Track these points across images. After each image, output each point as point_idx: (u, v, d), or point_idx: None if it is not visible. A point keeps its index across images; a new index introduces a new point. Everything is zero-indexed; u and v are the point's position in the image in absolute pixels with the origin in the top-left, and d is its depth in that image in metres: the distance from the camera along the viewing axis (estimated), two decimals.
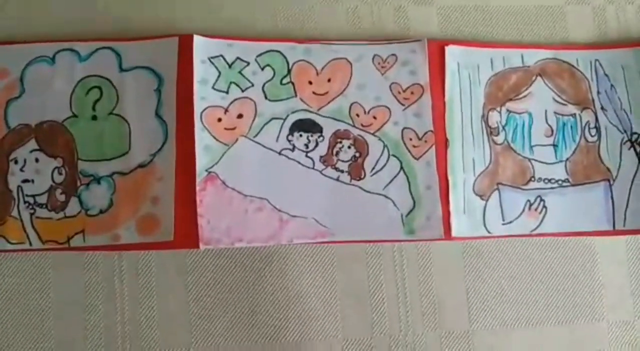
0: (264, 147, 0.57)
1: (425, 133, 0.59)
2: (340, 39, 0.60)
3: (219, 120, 0.57)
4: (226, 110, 0.57)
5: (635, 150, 0.61)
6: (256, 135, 0.57)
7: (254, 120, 0.58)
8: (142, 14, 0.59)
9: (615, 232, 0.60)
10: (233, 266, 0.57)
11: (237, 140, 0.57)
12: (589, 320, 0.60)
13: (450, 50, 0.61)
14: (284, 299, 0.57)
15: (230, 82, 0.58)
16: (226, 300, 0.56)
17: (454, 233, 0.58)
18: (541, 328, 0.59)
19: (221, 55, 0.58)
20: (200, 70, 0.57)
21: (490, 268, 0.60)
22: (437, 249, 0.59)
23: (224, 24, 0.59)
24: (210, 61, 0.57)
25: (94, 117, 0.56)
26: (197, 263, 0.56)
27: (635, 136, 0.62)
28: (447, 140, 0.59)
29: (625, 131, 0.62)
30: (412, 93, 0.60)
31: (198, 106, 0.56)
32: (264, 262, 0.57)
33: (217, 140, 0.56)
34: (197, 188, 0.55)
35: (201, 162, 0.55)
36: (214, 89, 0.57)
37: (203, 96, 0.56)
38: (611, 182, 0.61)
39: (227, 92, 0.57)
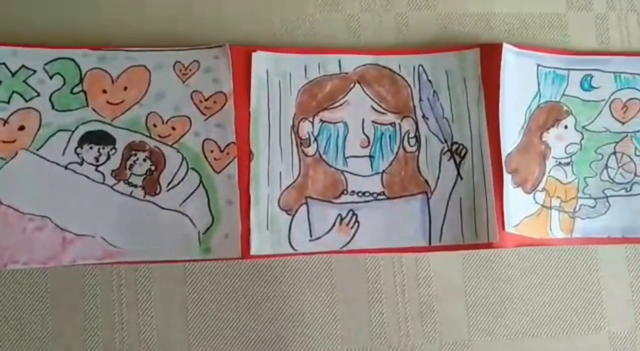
0: (48, 160, 0.54)
1: (228, 145, 0.56)
2: (141, 45, 0.57)
3: None
4: (5, 122, 0.54)
5: (454, 160, 0.58)
6: (39, 148, 0.54)
7: (37, 132, 0.54)
8: None
9: (430, 248, 0.57)
10: (232, 277, 0.55)
11: (16, 153, 0.53)
12: (589, 331, 0.59)
13: (258, 57, 0.57)
14: (283, 310, 0.55)
15: (13, 92, 0.54)
16: (225, 312, 0.55)
17: (253, 251, 0.54)
18: (541, 339, 0.58)
19: (3, 63, 0.54)
20: None
21: (490, 278, 0.58)
22: (436, 258, 0.57)
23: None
24: None
25: None
26: (195, 276, 0.55)
27: (455, 146, 0.58)
28: (251, 152, 0.56)
29: (445, 140, 0.58)
30: (214, 102, 0.56)
31: None
32: (263, 272, 0.56)
33: None
34: None
35: None
36: None
37: None
38: (429, 195, 0.58)
39: (8, 103, 0.54)
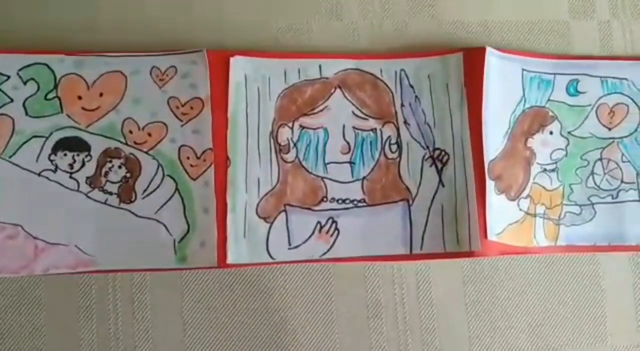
0: (21, 168, 0.53)
1: (205, 151, 0.55)
2: (118, 49, 0.56)
3: None
4: None
5: (436, 167, 0.57)
6: (12, 155, 0.53)
7: (10, 138, 0.53)
8: None
9: (411, 257, 0.56)
10: (231, 286, 0.54)
11: None
12: (592, 344, 0.58)
13: (236, 62, 0.56)
14: (283, 318, 0.55)
15: None
16: (223, 321, 0.54)
17: (229, 260, 0.53)
18: None
19: None
20: None
21: (491, 292, 0.57)
22: (436, 271, 0.57)
23: None
24: None
25: None
26: (192, 285, 0.54)
27: (437, 152, 0.57)
28: (228, 158, 0.55)
29: (427, 146, 0.57)
30: (191, 108, 0.55)
31: None
32: (261, 282, 0.55)
33: None
34: None
35: None
36: None
37: None
38: (410, 202, 0.57)
39: None
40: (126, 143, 0.54)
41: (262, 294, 0.55)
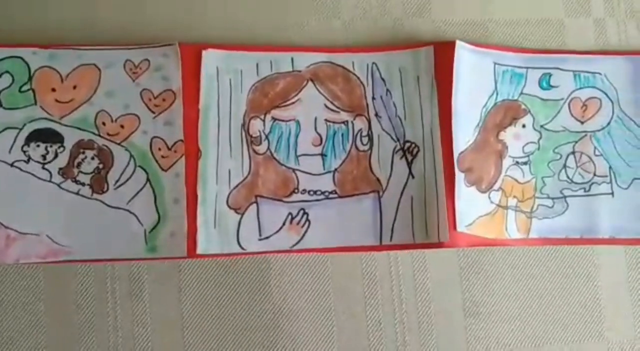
0: None
1: (176, 143, 0.55)
2: (93, 43, 0.56)
3: None
4: None
5: (406, 159, 0.57)
6: None
7: None
8: None
9: (381, 248, 0.56)
10: (227, 280, 0.55)
11: None
12: (589, 339, 0.58)
13: (208, 55, 0.57)
14: (277, 315, 0.55)
15: None
16: (219, 315, 0.55)
17: (199, 251, 0.54)
18: (540, 348, 0.57)
19: None
20: None
21: (488, 286, 0.58)
22: (434, 268, 0.57)
23: None
24: None
25: None
26: (190, 278, 0.55)
27: (407, 144, 0.58)
28: (199, 150, 0.55)
29: (398, 139, 0.58)
30: (163, 100, 0.56)
31: None
32: (258, 275, 0.55)
33: None
34: None
35: None
36: None
37: None
38: (380, 194, 0.57)
39: None
40: (99, 135, 0.55)
41: (260, 287, 0.55)
